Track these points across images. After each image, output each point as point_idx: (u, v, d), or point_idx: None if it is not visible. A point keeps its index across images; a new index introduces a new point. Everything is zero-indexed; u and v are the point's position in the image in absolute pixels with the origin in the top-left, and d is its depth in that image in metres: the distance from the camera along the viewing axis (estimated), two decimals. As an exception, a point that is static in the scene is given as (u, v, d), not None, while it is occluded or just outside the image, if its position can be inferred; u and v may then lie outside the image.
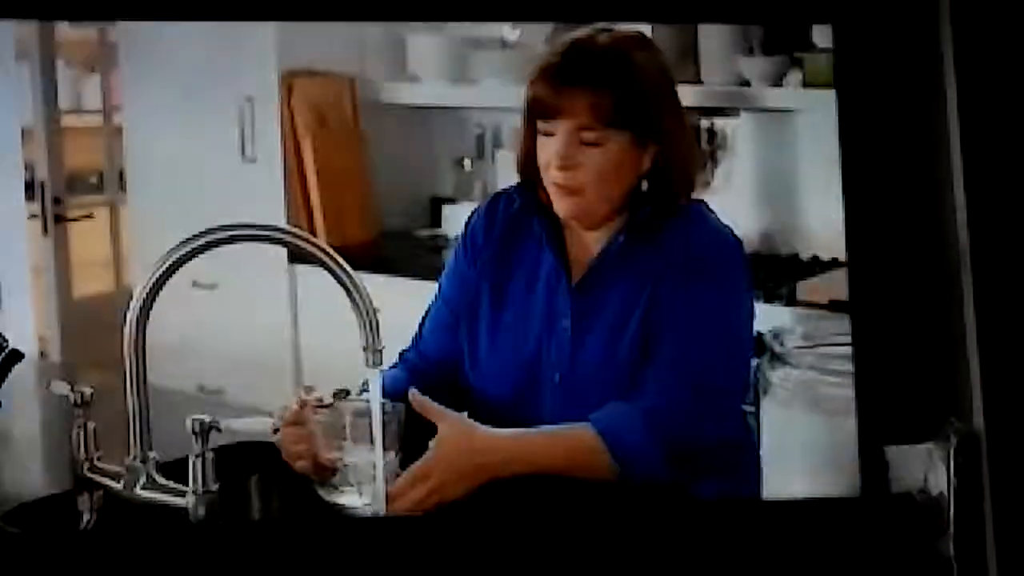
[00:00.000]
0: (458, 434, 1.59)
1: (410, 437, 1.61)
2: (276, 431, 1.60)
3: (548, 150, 1.65)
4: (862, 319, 1.75)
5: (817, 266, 2.41)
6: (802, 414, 1.53)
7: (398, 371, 1.75)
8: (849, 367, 1.53)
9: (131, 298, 1.44)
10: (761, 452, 1.65)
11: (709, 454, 1.65)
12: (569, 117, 1.63)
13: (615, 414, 1.62)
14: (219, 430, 1.38)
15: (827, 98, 2.34)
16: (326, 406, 1.62)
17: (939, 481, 1.59)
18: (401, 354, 1.77)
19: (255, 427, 1.53)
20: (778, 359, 1.49)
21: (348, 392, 1.63)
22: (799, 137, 2.52)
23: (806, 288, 2.28)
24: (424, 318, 1.78)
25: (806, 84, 2.40)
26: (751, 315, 1.68)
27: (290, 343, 2.73)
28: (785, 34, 2.43)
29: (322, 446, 1.57)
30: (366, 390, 1.54)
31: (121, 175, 2.96)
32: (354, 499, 1.60)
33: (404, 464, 1.60)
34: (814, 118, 2.42)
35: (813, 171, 2.49)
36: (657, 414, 1.61)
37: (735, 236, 1.69)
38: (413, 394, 1.62)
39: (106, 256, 3.08)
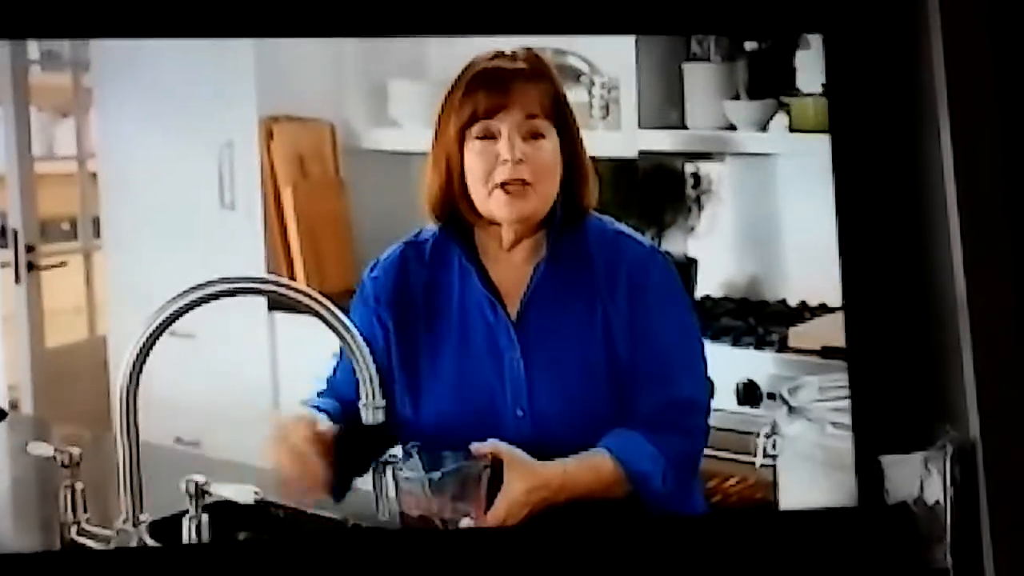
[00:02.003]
0: (526, 472, 1.60)
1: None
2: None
3: (490, 153, 1.67)
4: (855, 331, 1.74)
5: (806, 311, 2.39)
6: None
7: (332, 401, 1.77)
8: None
9: (105, 346, 1.40)
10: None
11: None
12: (517, 108, 1.67)
13: (626, 441, 1.62)
14: (209, 493, 1.34)
15: (813, 143, 2.34)
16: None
17: (935, 490, 1.57)
18: (319, 394, 1.82)
19: (240, 495, 1.50)
20: (794, 412, 1.46)
21: (419, 446, 1.63)
22: (785, 182, 2.50)
23: (797, 335, 2.25)
24: (336, 365, 1.77)
25: (792, 129, 2.39)
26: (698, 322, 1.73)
27: (270, 394, 2.67)
28: (771, 78, 2.41)
29: (410, 506, 1.57)
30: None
31: (96, 222, 2.90)
32: None
33: None
34: (800, 163, 2.41)
35: (799, 216, 2.47)
36: (658, 438, 1.62)
37: (653, 245, 1.75)
38: (478, 447, 1.62)
39: (80, 304, 3.02)
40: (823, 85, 2.30)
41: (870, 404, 1.70)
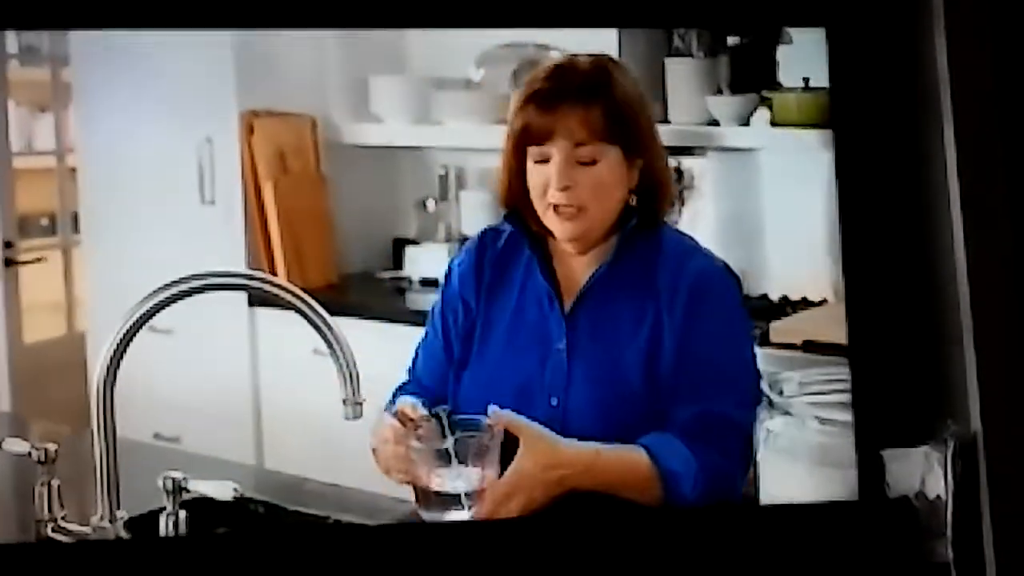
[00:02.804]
0: (542, 448, 1.59)
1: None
2: (373, 450, 1.58)
3: (543, 175, 1.67)
4: (857, 325, 1.73)
5: (788, 306, 2.39)
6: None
7: (413, 398, 1.74)
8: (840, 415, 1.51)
9: (84, 342, 1.39)
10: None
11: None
12: (564, 137, 1.66)
13: (662, 440, 1.62)
14: (187, 490, 1.33)
15: (795, 137, 2.34)
16: (423, 425, 1.60)
17: (936, 484, 1.57)
18: (400, 387, 1.79)
19: (219, 490, 1.48)
20: (776, 409, 1.46)
21: (447, 408, 1.62)
22: (767, 176, 2.50)
23: (778, 329, 2.25)
24: (417, 351, 1.80)
25: (774, 123, 2.38)
26: (753, 346, 1.69)
27: (249, 389, 2.66)
28: (753, 73, 2.41)
29: (424, 474, 1.56)
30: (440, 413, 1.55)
31: (75, 217, 2.89)
32: (456, 516, 1.59)
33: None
34: (782, 157, 2.41)
35: (781, 210, 2.47)
36: (691, 445, 1.61)
37: (725, 265, 1.72)
38: (495, 410, 1.61)
39: (58, 300, 3.00)
40: (804, 79, 2.30)
41: (871, 398, 1.70)
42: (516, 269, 1.77)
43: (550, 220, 1.71)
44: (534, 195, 1.72)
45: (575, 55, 1.76)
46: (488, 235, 1.81)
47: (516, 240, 1.76)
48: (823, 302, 2.31)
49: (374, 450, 1.69)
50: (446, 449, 1.60)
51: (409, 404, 1.68)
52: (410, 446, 1.61)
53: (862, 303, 1.75)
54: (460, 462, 1.62)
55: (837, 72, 1.74)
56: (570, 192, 1.69)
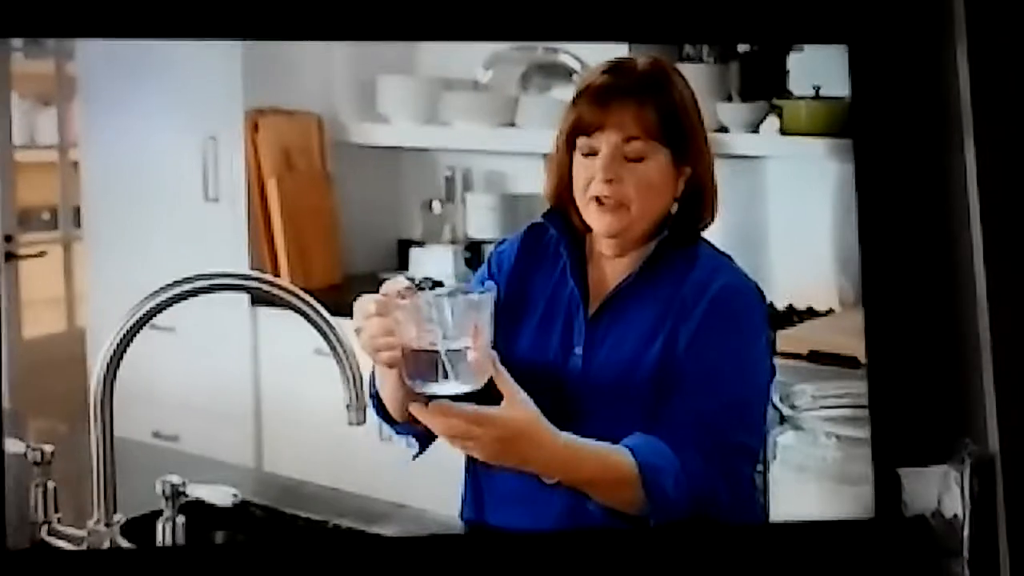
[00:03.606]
0: (520, 418, 1.57)
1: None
2: (357, 331, 1.55)
3: (590, 168, 1.67)
4: (876, 342, 1.72)
5: (794, 315, 2.37)
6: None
7: None
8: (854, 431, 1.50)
9: (84, 338, 1.38)
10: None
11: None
12: (615, 129, 1.66)
13: (644, 439, 1.60)
14: (186, 495, 1.32)
15: (804, 145, 2.32)
16: (408, 294, 1.56)
17: (953, 503, 1.55)
18: None
19: (218, 496, 1.47)
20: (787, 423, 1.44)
21: (434, 283, 1.59)
22: (775, 185, 2.49)
23: (784, 339, 2.23)
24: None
25: (783, 131, 2.37)
26: (770, 373, 1.67)
27: (251, 388, 2.64)
28: (763, 81, 2.39)
29: (410, 334, 1.53)
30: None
31: (76, 212, 2.87)
32: (450, 387, 1.55)
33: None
34: (790, 166, 2.39)
35: (788, 219, 2.45)
36: (675, 445, 1.60)
37: (756, 286, 1.70)
38: (496, 361, 1.58)
39: (59, 295, 2.98)
40: (815, 88, 2.29)
41: (889, 415, 1.69)
42: (552, 269, 1.77)
43: (591, 214, 1.71)
44: (577, 188, 1.72)
45: (632, 57, 1.77)
46: (534, 230, 1.81)
47: (556, 240, 1.77)
48: (829, 312, 2.29)
49: (357, 330, 1.64)
50: (432, 308, 1.55)
51: (393, 282, 1.64)
52: (396, 308, 1.56)
53: (881, 320, 1.74)
54: (448, 323, 1.57)
55: (859, 88, 1.73)
56: (614, 186, 1.69)
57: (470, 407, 1.54)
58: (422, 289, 1.58)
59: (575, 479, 1.60)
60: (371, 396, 1.68)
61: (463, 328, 1.56)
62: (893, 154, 1.75)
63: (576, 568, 1.62)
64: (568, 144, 1.73)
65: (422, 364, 1.56)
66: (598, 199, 1.70)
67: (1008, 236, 1.63)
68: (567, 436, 1.62)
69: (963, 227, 1.59)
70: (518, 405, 1.57)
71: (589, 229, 1.75)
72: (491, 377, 1.58)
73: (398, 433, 1.70)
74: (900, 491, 1.60)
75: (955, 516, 1.51)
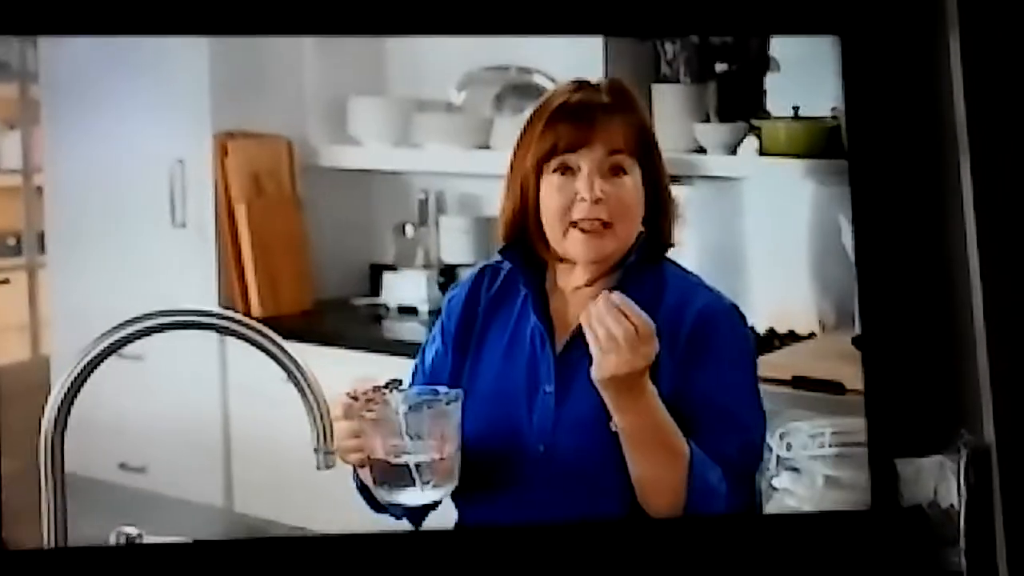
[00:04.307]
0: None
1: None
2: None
3: (568, 190, 1.63)
4: (871, 333, 1.70)
5: (775, 339, 2.33)
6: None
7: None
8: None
9: (49, 367, 1.33)
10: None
11: None
12: (600, 144, 1.61)
13: (706, 460, 1.56)
14: (142, 545, 1.27)
15: (783, 167, 2.29)
16: (375, 398, 1.54)
17: (950, 494, 1.53)
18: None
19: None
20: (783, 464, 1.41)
21: (400, 382, 1.56)
22: (754, 206, 2.46)
23: (767, 365, 2.19)
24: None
25: (762, 152, 2.34)
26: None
27: (220, 417, 2.59)
28: (741, 101, 2.37)
29: (377, 445, 1.50)
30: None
31: (41, 237, 2.81)
32: (418, 497, 1.52)
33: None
34: (769, 186, 2.36)
35: (768, 241, 2.42)
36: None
37: (732, 304, 1.67)
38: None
39: (23, 322, 2.93)
40: (794, 108, 2.26)
41: (885, 407, 1.67)
42: (511, 306, 1.71)
43: (571, 242, 1.65)
44: (550, 215, 1.66)
45: (588, 79, 1.73)
46: (486, 272, 1.75)
47: (513, 276, 1.70)
48: (811, 335, 2.26)
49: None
50: (399, 419, 1.53)
51: (360, 381, 1.61)
52: (362, 417, 1.54)
53: (876, 312, 1.73)
54: (415, 434, 1.56)
55: (851, 80, 1.72)
56: (599, 205, 1.64)
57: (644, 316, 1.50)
58: (390, 390, 1.56)
59: (643, 434, 1.55)
60: (354, 479, 1.66)
61: (430, 437, 1.55)
62: (886, 153, 1.73)
63: (572, 563, 1.58)
64: (537, 168, 1.67)
65: (389, 473, 1.56)
66: (580, 224, 1.65)
67: (1003, 230, 1.61)
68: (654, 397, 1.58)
69: (959, 221, 1.57)
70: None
71: (556, 259, 1.69)
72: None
73: (388, 513, 1.67)
74: (896, 482, 1.58)
75: (951, 506, 1.49)
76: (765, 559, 1.67)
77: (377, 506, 1.66)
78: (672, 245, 1.71)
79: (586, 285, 1.68)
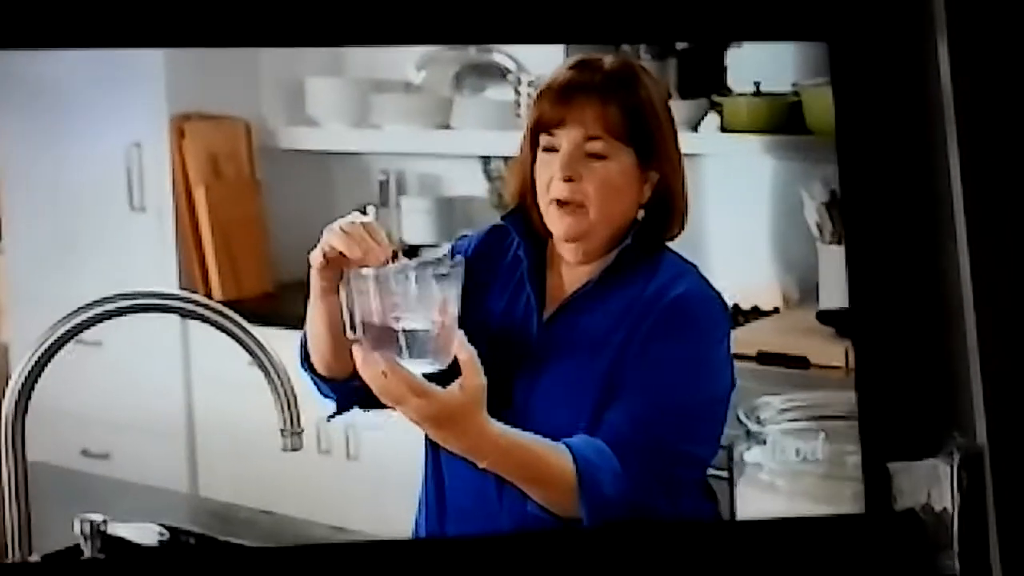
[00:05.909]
0: (456, 402, 1.52)
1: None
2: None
3: (550, 166, 1.63)
4: (863, 336, 1.71)
5: (739, 315, 2.34)
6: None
7: None
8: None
9: (7, 354, 1.31)
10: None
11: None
12: (576, 126, 1.62)
13: (592, 448, 1.56)
14: (107, 534, 1.25)
15: (745, 143, 2.30)
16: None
17: (943, 497, 1.55)
18: None
19: (142, 535, 1.40)
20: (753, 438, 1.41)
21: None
22: (715, 183, 2.46)
23: (732, 340, 2.20)
24: None
25: (724, 129, 2.34)
26: (729, 384, 1.64)
27: (183, 402, 2.57)
28: (702, 78, 2.36)
29: (374, 309, 1.47)
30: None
31: (-4, 223, 2.78)
32: (413, 366, 1.50)
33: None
34: (731, 163, 2.36)
35: (730, 217, 2.43)
36: (617, 448, 1.56)
37: (718, 295, 1.67)
38: (463, 340, 1.50)
39: (-20, 310, 2.89)
40: (755, 84, 2.26)
41: (878, 410, 1.68)
42: (512, 268, 1.73)
43: (551, 217, 1.67)
44: (539, 189, 1.68)
45: (599, 56, 1.73)
46: (495, 232, 1.77)
47: (516, 244, 1.72)
48: (775, 311, 2.26)
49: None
50: (397, 282, 1.50)
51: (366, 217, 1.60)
52: (358, 277, 1.51)
53: (868, 315, 1.73)
54: (415, 300, 1.51)
55: (840, 86, 1.72)
56: (573, 185, 1.65)
57: (412, 378, 1.49)
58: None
59: (506, 467, 1.56)
60: (300, 346, 1.64)
61: (429, 304, 1.50)
62: (875, 158, 1.73)
63: (571, 564, 1.58)
64: (532, 142, 1.69)
65: (384, 339, 1.51)
66: (558, 201, 1.67)
67: (994, 231, 1.62)
68: (503, 428, 1.58)
69: (948, 223, 1.58)
70: (467, 389, 1.53)
71: (551, 234, 1.70)
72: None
73: (321, 393, 1.65)
74: (890, 486, 1.59)
75: (945, 510, 1.51)
76: (757, 564, 1.68)
77: (319, 377, 1.64)
78: (672, 235, 1.70)
79: (579, 264, 1.70)
